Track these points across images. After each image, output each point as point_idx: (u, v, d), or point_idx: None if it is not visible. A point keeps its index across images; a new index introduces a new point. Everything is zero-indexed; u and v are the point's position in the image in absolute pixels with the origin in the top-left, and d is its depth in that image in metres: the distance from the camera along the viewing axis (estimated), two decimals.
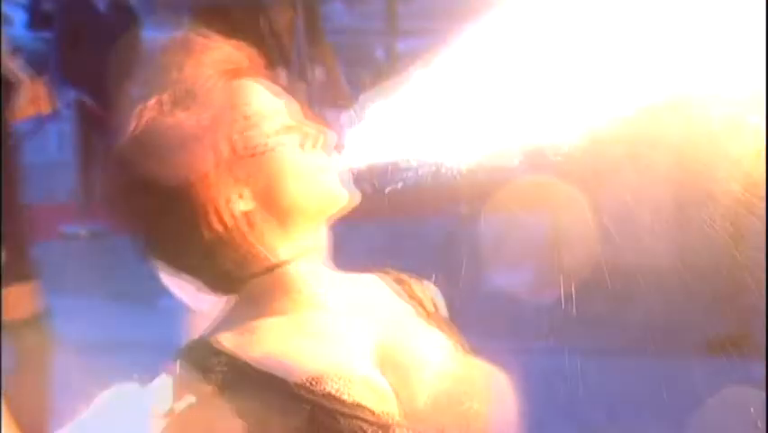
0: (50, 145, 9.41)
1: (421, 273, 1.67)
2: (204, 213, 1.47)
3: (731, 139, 1.56)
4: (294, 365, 1.47)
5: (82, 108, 7.67)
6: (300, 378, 1.46)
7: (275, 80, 1.55)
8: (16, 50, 4.21)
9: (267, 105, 1.52)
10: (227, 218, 1.48)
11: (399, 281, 1.66)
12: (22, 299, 4.04)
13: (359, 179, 1.57)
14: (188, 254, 1.51)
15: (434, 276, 1.68)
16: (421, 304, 1.64)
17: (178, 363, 1.48)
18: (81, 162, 7.96)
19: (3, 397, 2.85)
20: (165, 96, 1.49)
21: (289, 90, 1.57)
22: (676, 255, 5.36)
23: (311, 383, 1.45)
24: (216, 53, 1.53)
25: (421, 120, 1.52)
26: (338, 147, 1.55)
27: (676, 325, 5.30)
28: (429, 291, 1.67)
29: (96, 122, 7.32)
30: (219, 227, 1.48)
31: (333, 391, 1.45)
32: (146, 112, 1.49)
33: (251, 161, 1.49)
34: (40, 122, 4.44)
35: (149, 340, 4.34)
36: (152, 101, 1.49)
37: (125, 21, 7.41)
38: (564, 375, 4.90)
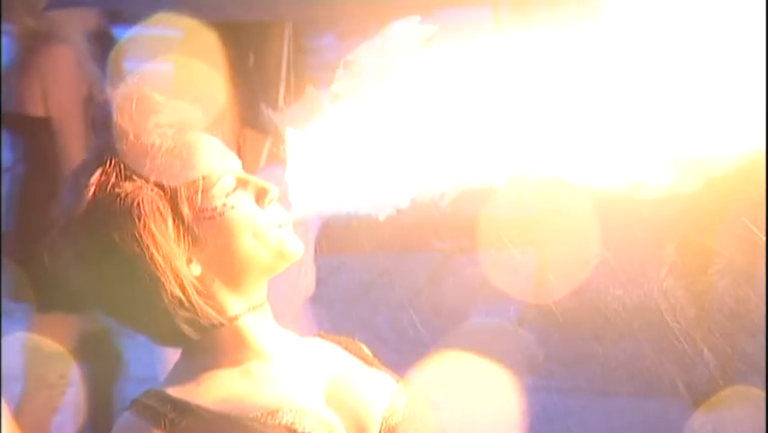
0: None
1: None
2: (158, 278, 1.48)
3: (723, 182, 1.56)
4: (247, 404, 1.51)
5: None
6: (255, 414, 1.49)
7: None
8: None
9: (219, 165, 1.52)
10: (180, 282, 1.49)
11: (332, 339, 1.70)
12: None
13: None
14: (140, 315, 1.52)
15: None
16: (358, 354, 1.69)
17: (129, 412, 1.50)
18: None
19: (3, 401, 2.84)
20: (119, 162, 1.49)
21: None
22: (662, 296, 5.36)
23: (265, 417, 1.49)
24: (169, 114, 1.52)
25: (395, 153, 1.53)
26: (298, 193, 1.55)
27: (658, 366, 5.29)
28: (362, 347, 1.71)
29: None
30: (173, 291, 1.49)
31: (287, 423, 1.49)
32: (100, 179, 1.49)
33: (203, 225, 1.50)
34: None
35: (131, 374, 4.33)
36: (106, 167, 1.49)
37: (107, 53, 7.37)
38: (546, 413, 4.90)
